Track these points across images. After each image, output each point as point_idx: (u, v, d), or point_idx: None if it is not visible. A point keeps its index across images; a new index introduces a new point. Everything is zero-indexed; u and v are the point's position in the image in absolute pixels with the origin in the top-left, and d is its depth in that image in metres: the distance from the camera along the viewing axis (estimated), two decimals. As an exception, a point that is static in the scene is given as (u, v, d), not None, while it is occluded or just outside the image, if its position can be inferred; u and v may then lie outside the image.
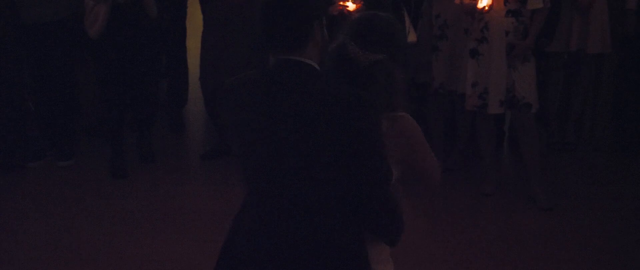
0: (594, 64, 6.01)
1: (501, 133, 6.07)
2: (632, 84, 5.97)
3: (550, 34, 5.48)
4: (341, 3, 5.18)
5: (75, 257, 4.42)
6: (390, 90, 2.36)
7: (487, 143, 5.24)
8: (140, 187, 5.44)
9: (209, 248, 4.51)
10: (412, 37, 5.19)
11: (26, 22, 5.55)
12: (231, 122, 2.34)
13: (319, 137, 2.14)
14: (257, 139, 2.24)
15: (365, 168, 2.17)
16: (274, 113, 2.19)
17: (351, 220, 2.25)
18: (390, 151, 2.29)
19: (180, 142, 6.59)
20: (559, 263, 4.37)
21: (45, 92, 5.73)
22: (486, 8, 4.81)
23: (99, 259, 4.39)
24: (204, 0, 5.98)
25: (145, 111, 5.84)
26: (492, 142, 5.27)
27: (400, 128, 2.40)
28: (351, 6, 4.88)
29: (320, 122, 2.13)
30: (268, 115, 2.20)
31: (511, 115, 5.29)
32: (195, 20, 6.95)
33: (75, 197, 5.27)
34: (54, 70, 5.68)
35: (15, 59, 5.65)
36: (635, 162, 5.88)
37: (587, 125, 6.25)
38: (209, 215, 4.97)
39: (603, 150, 6.13)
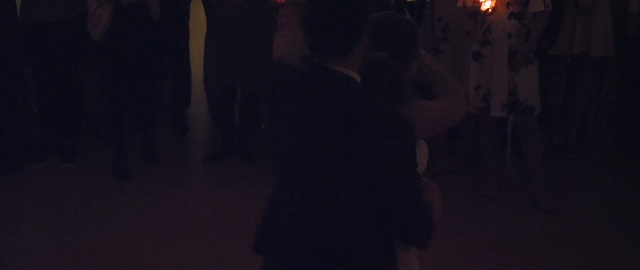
0: (597, 67, 6.02)
1: (503, 135, 6.07)
2: (635, 87, 5.97)
3: (552, 36, 5.48)
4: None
5: (77, 259, 4.42)
6: (393, 88, 2.36)
7: (490, 145, 5.24)
8: (142, 188, 5.44)
9: (212, 250, 4.53)
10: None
11: (27, 22, 5.56)
12: (267, 111, 2.31)
13: (351, 153, 2.10)
14: (288, 141, 2.21)
15: (397, 185, 2.13)
16: (307, 122, 2.15)
17: (379, 228, 2.22)
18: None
19: (183, 144, 6.59)
20: (561, 265, 4.37)
21: (49, 93, 5.74)
22: (489, 11, 4.82)
23: (101, 261, 4.39)
24: (207, 2, 5.99)
25: (148, 113, 5.85)
26: (494, 145, 5.27)
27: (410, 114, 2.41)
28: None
29: (353, 138, 2.09)
30: (301, 122, 2.17)
31: (514, 118, 5.30)
32: (197, 22, 6.97)
33: (77, 198, 5.27)
34: (57, 72, 5.68)
35: (16, 59, 5.65)
36: (637, 164, 5.88)
37: (590, 128, 6.26)
38: (212, 217, 4.98)
39: (605, 152, 6.14)
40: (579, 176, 5.77)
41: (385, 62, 2.32)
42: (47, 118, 5.83)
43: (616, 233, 4.77)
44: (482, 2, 4.81)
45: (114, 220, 4.93)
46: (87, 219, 4.96)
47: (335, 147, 2.10)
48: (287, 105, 2.21)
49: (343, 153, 2.10)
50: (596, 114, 6.21)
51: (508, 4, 4.81)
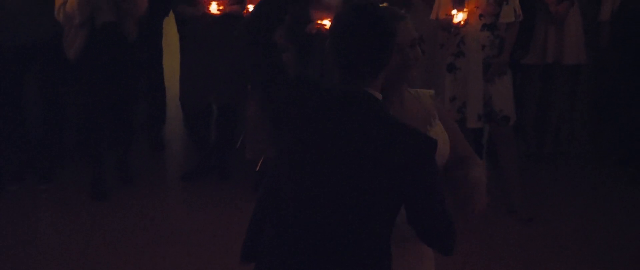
0: (570, 75, 6.07)
1: (480, 146, 6.10)
2: (608, 94, 6.03)
3: (525, 46, 5.53)
4: (319, 22, 5.21)
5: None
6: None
7: (466, 156, 5.26)
8: (121, 208, 5.39)
9: (191, 267, 4.51)
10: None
11: (3, 44, 5.51)
12: (286, 122, 2.29)
13: (377, 177, 2.16)
14: (315, 154, 2.22)
15: (423, 199, 2.23)
16: (340, 140, 2.18)
17: (383, 248, 2.29)
18: None
19: (160, 162, 6.56)
20: (540, 273, 4.40)
21: (20, 113, 5.70)
22: (461, 23, 4.85)
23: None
24: (181, 20, 5.98)
25: (124, 132, 5.82)
26: (471, 155, 5.29)
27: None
28: (328, 25, 4.90)
29: (384, 156, 2.15)
30: (333, 140, 2.19)
31: (490, 128, 5.33)
32: (170, 40, 6.94)
33: (55, 219, 5.23)
34: (42, 92, 5.65)
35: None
36: (612, 171, 5.92)
37: (565, 136, 6.30)
38: (191, 234, 4.95)
39: (581, 160, 6.18)
40: (556, 184, 5.81)
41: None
42: (24, 137, 5.78)
43: (594, 239, 4.81)
44: (454, 14, 4.85)
45: (93, 240, 4.89)
46: (66, 239, 4.92)
47: (366, 162, 2.16)
48: (316, 123, 2.23)
49: (373, 167, 2.16)
50: (571, 121, 6.26)
51: (480, 15, 4.85)
